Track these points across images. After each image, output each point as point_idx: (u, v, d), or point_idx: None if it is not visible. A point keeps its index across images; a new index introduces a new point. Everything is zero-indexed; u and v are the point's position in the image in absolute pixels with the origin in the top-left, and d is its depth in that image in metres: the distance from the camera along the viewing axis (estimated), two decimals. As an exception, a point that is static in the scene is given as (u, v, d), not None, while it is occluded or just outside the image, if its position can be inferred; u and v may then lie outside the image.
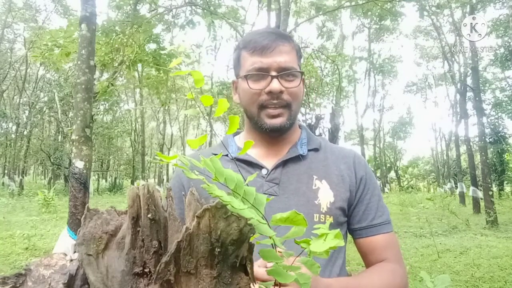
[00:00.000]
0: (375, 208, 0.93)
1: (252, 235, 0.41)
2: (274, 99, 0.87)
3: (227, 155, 0.94)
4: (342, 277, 0.88)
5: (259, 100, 0.89)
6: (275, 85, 0.86)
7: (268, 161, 0.93)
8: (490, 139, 15.80)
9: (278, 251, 0.47)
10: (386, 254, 0.90)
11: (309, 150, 0.96)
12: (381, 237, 0.91)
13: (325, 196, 0.89)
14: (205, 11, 6.70)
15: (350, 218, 0.94)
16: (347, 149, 1.01)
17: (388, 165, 27.42)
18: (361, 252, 0.94)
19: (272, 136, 0.93)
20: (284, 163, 0.92)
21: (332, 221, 0.88)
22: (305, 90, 1.01)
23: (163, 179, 22.23)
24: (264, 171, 0.91)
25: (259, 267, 0.63)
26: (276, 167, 0.91)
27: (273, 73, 0.87)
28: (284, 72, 0.88)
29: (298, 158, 0.93)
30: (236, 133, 1.05)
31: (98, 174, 22.59)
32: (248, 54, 0.90)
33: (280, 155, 0.94)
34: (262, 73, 0.88)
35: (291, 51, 0.91)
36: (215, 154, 0.90)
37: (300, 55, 0.96)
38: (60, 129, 19.39)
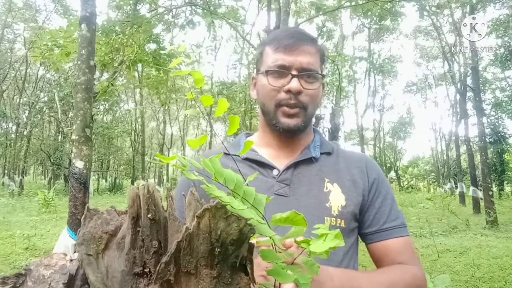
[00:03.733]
0: (388, 212, 0.90)
1: (252, 235, 0.41)
2: (291, 99, 0.87)
3: (239, 155, 0.93)
4: (348, 269, 0.85)
5: (277, 98, 0.88)
6: (295, 84, 0.86)
7: (280, 162, 0.92)
8: (490, 139, 15.80)
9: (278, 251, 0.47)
10: (401, 258, 0.85)
11: (321, 154, 0.95)
12: (394, 241, 0.87)
13: (337, 199, 0.87)
14: (205, 11, 6.70)
15: (361, 223, 0.91)
16: (359, 154, 1.00)
17: (388, 165, 27.41)
18: (373, 258, 0.90)
19: (286, 136, 0.93)
20: (295, 165, 0.91)
21: (344, 226, 0.86)
22: (322, 94, 1.00)
23: (163, 179, 22.22)
24: (275, 172, 0.90)
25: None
26: (287, 168, 0.90)
27: (294, 72, 0.87)
28: (305, 73, 0.87)
29: (310, 160, 0.92)
30: (249, 134, 1.05)
31: (98, 174, 22.58)
32: (272, 51, 0.90)
33: (293, 157, 0.93)
34: (283, 70, 0.87)
35: (315, 54, 0.90)
36: (226, 154, 0.89)
37: (324, 59, 0.95)
38: (60, 129, 19.39)
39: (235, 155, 0.93)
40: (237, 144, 1.00)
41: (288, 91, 0.86)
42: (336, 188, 0.89)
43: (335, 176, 0.91)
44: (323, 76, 0.92)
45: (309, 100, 0.88)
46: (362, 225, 0.91)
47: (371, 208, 0.90)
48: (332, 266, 0.81)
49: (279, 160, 0.93)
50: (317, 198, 0.87)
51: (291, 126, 0.88)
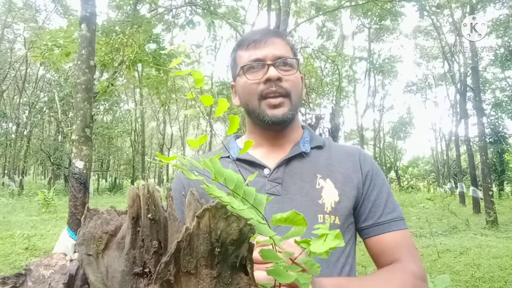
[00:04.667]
0: (383, 204, 0.88)
1: (252, 235, 0.41)
2: (273, 87, 0.86)
3: (228, 157, 0.92)
4: (341, 277, 0.83)
5: (258, 91, 0.87)
6: (272, 72, 0.86)
7: (271, 161, 0.91)
8: (490, 139, 15.82)
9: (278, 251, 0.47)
10: (398, 253, 0.83)
11: (312, 148, 0.93)
12: (391, 235, 0.85)
13: (329, 195, 0.86)
14: (205, 11, 6.70)
15: (357, 217, 0.89)
16: (352, 147, 0.99)
17: (388, 165, 27.40)
18: (370, 253, 0.88)
19: (275, 130, 0.92)
20: (287, 162, 0.90)
21: (339, 222, 0.84)
22: (304, 86, 0.99)
23: (163, 179, 22.22)
24: (266, 171, 0.89)
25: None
26: (278, 166, 0.89)
27: (269, 62, 0.88)
28: (279, 60, 0.88)
29: (301, 156, 0.91)
30: (238, 136, 1.04)
31: (98, 174, 22.59)
32: (243, 51, 0.91)
33: (283, 154, 0.91)
34: (258, 62, 0.88)
35: (285, 45, 0.92)
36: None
37: (295, 52, 0.95)
38: (60, 129, 19.40)
39: (226, 156, 0.93)
40: (227, 147, 0.99)
41: (268, 80, 0.86)
42: (329, 184, 0.87)
43: (328, 171, 0.89)
44: (298, 61, 0.92)
45: (290, 86, 0.88)
46: (357, 220, 0.89)
47: (366, 202, 0.88)
48: (329, 265, 0.82)
49: (270, 158, 0.92)
50: (310, 196, 0.85)
51: (278, 116, 0.87)
